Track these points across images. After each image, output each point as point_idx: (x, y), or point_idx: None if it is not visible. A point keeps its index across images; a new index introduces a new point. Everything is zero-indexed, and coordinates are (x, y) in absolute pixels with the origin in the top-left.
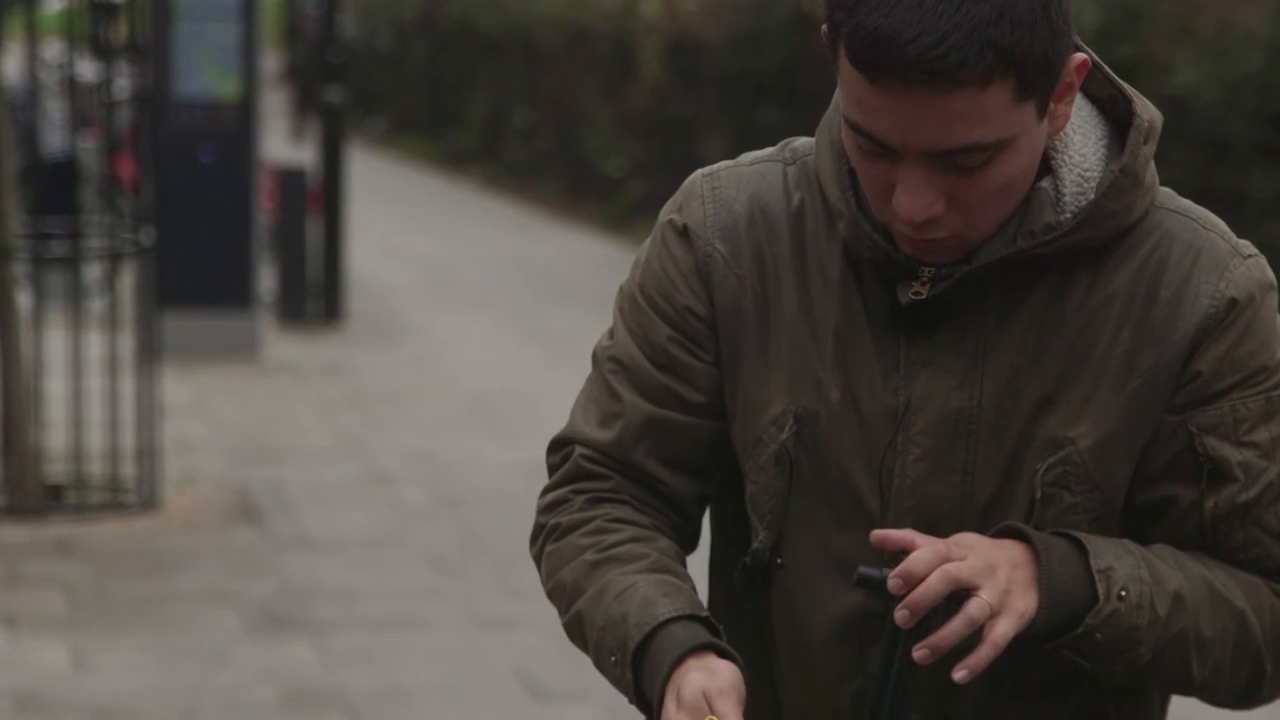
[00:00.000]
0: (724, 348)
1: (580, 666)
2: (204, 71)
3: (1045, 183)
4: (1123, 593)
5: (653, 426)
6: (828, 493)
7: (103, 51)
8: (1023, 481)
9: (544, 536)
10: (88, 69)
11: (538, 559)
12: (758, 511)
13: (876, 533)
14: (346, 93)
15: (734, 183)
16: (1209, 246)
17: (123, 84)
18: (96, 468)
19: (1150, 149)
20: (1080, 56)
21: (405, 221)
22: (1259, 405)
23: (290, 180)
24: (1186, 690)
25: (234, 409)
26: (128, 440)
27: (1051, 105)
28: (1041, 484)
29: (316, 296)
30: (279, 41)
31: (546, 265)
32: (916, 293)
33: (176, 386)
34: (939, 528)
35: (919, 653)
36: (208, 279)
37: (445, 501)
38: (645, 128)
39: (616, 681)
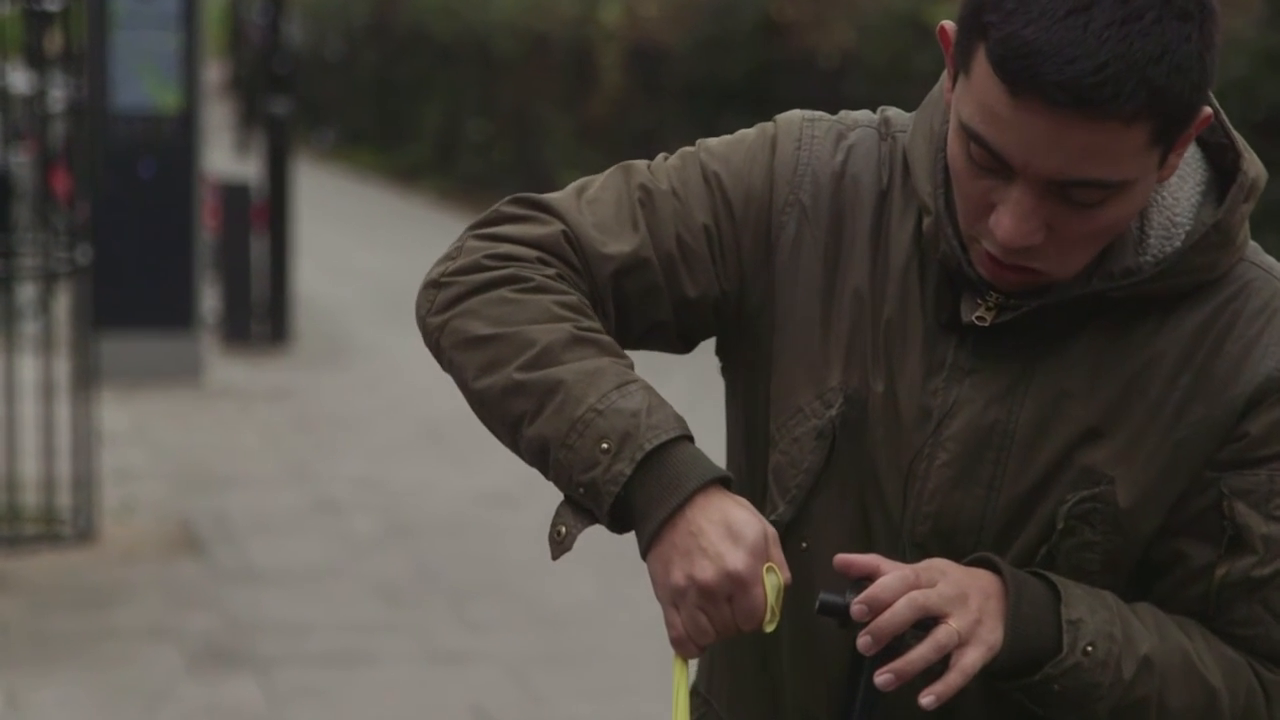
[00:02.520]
0: (779, 297)
1: (538, 701)
2: (143, 82)
3: (1132, 221)
4: (1089, 648)
5: (638, 271)
6: (859, 484)
7: (37, 61)
8: (1046, 506)
9: (497, 279)
10: (21, 80)
11: (468, 293)
12: (780, 483)
13: (840, 557)
14: (293, 103)
15: (834, 140)
16: None
17: (58, 95)
18: (31, 497)
19: (1248, 208)
20: (1207, 110)
21: (355, 238)
22: None
23: (234, 195)
24: None
25: (175, 435)
26: (64, 469)
27: (1170, 156)
28: (1067, 515)
29: (262, 317)
30: (222, 50)
31: None
32: (980, 318)
33: (115, 412)
34: (956, 539)
35: (882, 678)
36: (148, 299)
37: (397, 531)
38: (606, 139)
39: (590, 466)
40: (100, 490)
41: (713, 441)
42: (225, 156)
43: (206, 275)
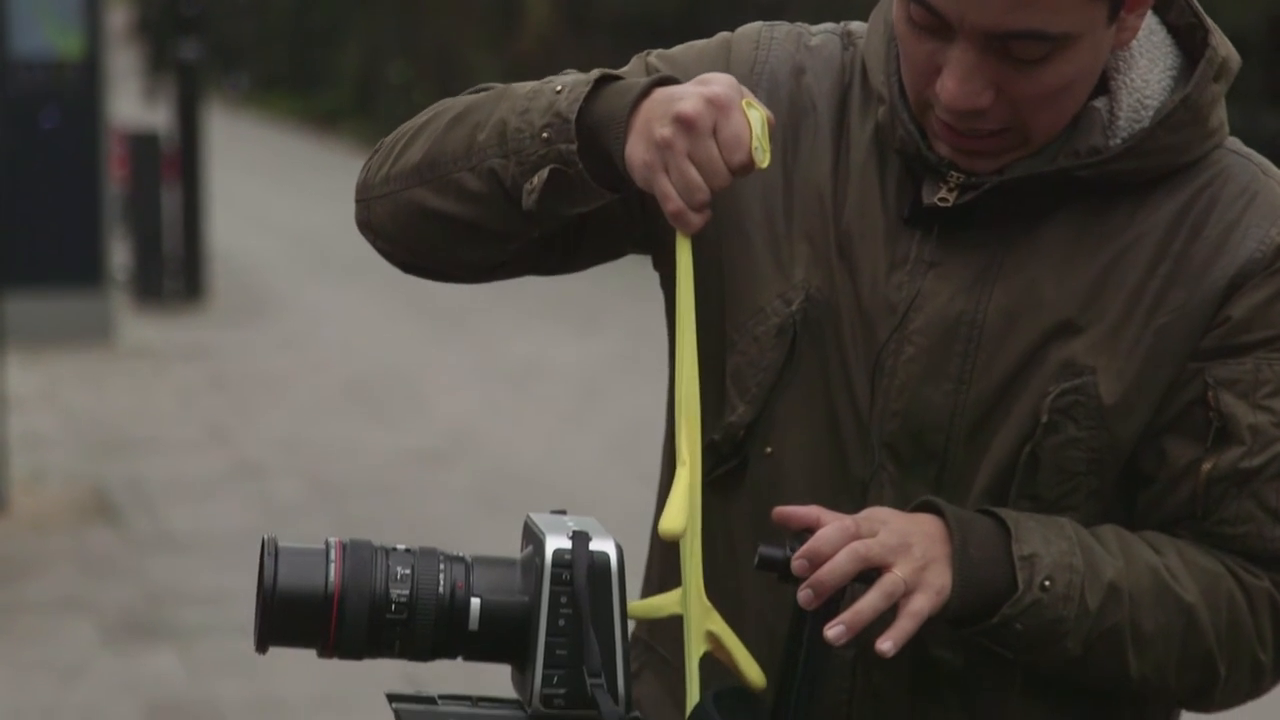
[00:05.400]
0: (732, 197)
1: (473, 669)
2: (43, 27)
3: (1099, 103)
4: (1047, 582)
5: None
6: (824, 383)
7: None
8: (1024, 402)
9: (432, 111)
10: None
11: (404, 129)
12: (739, 384)
13: (778, 510)
14: (203, 47)
15: (794, 41)
16: (1266, 192)
17: None
18: None
19: (1220, 89)
20: None
21: (271, 188)
22: None
23: (143, 145)
24: (1126, 688)
25: (87, 398)
26: None
27: (1122, 14)
28: (1050, 409)
29: (175, 273)
30: None
31: None
32: (942, 199)
33: (22, 375)
34: (926, 436)
35: (832, 631)
36: (54, 256)
37: (322, 494)
38: (534, 79)
39: (549, 107)
40: (8, 458)
41: (656, 386)
42: (132, 104)
43: (115, 230)
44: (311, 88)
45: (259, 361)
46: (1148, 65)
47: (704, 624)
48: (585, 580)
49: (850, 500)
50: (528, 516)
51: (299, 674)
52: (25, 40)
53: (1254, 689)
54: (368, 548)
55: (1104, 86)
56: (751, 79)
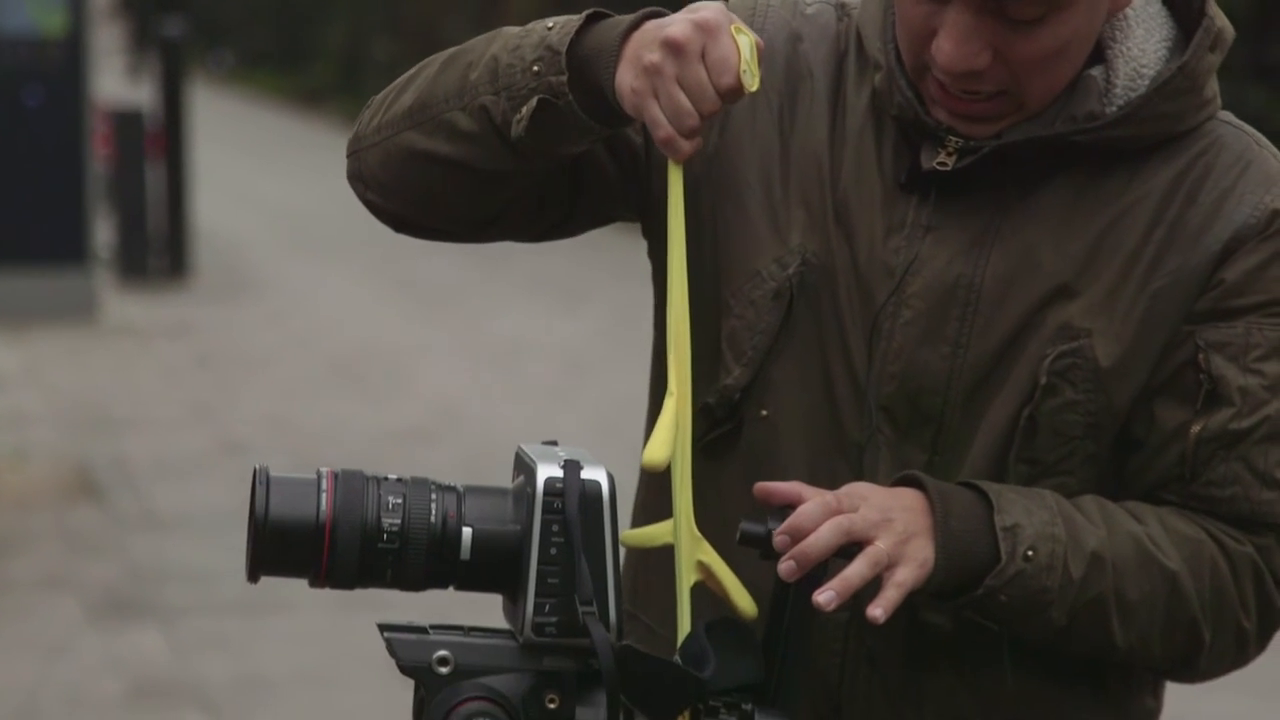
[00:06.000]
0: (729, 161)
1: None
2: (26, 4)
3: (1096, 71)
4: (1030, 553)
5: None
6: (820, 347)
7: None
8: (1021, 366)
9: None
10: None
11: (394, 85)
12: (735, 347)
13: (760, 485)
14: (188, 24)
15: (790, 9)
16: (1260, 161)
17: None
18: None
19: (1215, 59)
20: None
21: (256, 165)
22: (1276, 335)
23: (127, 122)
24: (1112, 657)
25: (70, 376)
26: None
27: None
28: (1048, 371)
29: (159, 250)
30: None
31: None
32: (941, 164)
33: (6, 352)
34: (922, 399)
35: (822, 595)
36: (37, 233)
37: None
38: None
39: (541, 41)
40: None
41: (640, 364)
42: (116, 82)
43: (99, 207)
44: (296, 65)
45: (243, 339)
46: (1144, 35)
47: (694, 553)
48: (577, 508)
49: (846, 464)
50: (519, 447)
51: (282, 651)
52: (8, 18)
53: (1239, 656)
54: (359, 477)
55: (1100, 56)
56: None
